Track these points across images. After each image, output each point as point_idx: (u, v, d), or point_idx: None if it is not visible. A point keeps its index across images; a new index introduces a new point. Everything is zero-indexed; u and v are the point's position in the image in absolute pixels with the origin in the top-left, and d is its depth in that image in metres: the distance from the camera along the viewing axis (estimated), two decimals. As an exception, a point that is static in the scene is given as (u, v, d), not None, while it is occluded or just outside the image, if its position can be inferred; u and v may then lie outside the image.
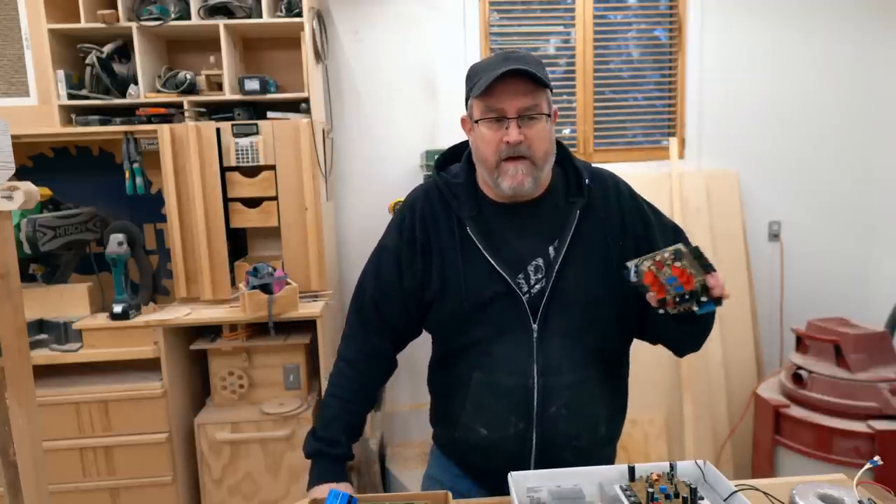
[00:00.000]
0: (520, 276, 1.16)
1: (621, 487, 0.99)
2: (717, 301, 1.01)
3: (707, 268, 1.00)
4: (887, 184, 2.94)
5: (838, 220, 2.97)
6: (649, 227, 1.22)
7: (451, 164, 1.31)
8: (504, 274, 1.14)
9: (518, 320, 1.15)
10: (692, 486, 0.95)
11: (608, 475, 1.03)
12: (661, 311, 1.03)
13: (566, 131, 2.91)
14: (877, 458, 1.02)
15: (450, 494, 1.06)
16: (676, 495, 0.95)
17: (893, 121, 2.92)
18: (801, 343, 2.39)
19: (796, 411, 2.23)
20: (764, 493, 1.05)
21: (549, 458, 1.17)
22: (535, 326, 1.15)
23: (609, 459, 1.29)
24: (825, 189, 2.95)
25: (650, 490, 0.95)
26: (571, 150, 1.29)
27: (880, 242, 2.98)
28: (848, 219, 2.97)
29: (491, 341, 1.17)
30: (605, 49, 2.89)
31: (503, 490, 1.14)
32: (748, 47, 2.85)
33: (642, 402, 2.70)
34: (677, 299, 1.00)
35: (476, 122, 1.15)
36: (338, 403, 1.25)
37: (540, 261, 1.17)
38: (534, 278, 1.16)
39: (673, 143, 2.86)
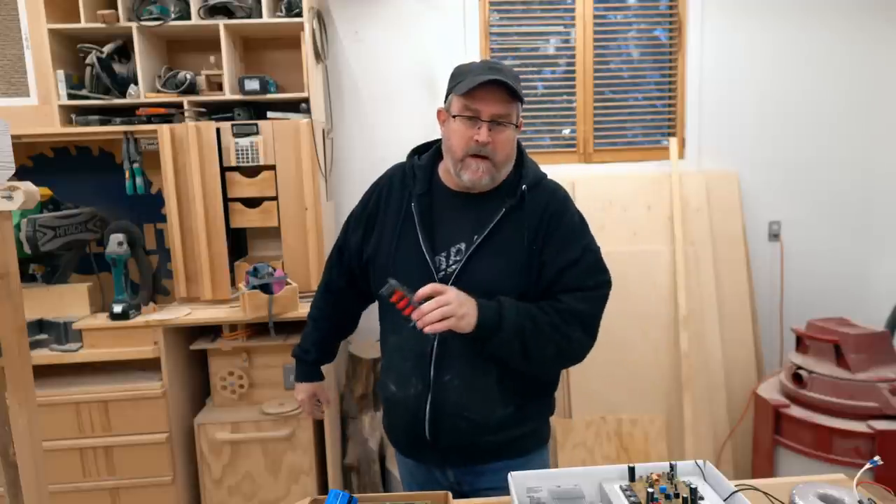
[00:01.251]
0: (441, 255, 1.30)
1: (621, 487, 0.99)
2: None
3: (415, 303, 1.17)
4: (887, 184, 2.94)
5: (838, 220, 2.97)
6: (558, 237, 1.30)
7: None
8: (425, 251, 1.28)
9: None
10: (692, 486, 0.95)
11: (608, 475, 1.03)
12: (411, 325, 1.19)
13: (566, 131, 2.90)
14: (877, 458, 1.02)
15: (449, 494, 1.06)
16: (676, 495, 0.95)
17: (893, 121, 2.92)
18: (801, 343, 2.39)
19: (796, 411, 2.23)
20: (764, 493, 1.05)
21: (442, 422, 1.29)
22: None
23: (523, 448, 1.35)
24: (825, 189, 2.95)
25: (650, 490, 0.95)
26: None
27: (880, 242, 2.98)
28: (848, 219, 2.97)
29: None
30: (605, 49, 2.89)
31: (417, 454, 1.38)
32: (748, 47, 2.85)
33: (642, 402, 2.69)
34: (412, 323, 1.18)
35: (453, 116, 1.27)
36: (311, 323, 1.58)
37: (462, 245, 1.30)
38: (452, 259, 1.29)
39: (673, 143, 2.85)
